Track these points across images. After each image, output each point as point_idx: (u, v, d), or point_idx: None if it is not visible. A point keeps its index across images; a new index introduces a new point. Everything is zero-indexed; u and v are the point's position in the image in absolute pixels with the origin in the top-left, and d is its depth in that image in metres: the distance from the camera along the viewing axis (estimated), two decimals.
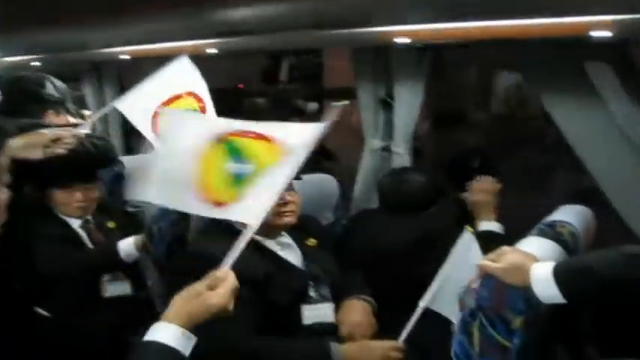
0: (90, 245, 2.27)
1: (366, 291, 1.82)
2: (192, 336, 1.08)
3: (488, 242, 1.60)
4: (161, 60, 1.84)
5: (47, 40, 3.02)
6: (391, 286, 1.82)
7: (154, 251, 1.89)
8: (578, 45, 1.64)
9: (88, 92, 3.52)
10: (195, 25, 2.18)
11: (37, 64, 3.15)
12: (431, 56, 2.19)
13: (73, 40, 2.85)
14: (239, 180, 1.18)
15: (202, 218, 1.86)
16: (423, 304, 1.56)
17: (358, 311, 1.74)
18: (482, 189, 2.02)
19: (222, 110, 1.85)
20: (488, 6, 1.44)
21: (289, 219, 1.77)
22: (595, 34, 1.43)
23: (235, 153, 1.19)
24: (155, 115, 1.70)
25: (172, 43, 2.35)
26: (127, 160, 2.94)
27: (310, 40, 1.97)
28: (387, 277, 1.87)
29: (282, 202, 1.71)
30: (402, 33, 1.72)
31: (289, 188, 1.75)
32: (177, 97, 1.71)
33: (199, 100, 1.80)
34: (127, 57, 2.80)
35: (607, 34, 1.42)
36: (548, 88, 1.81)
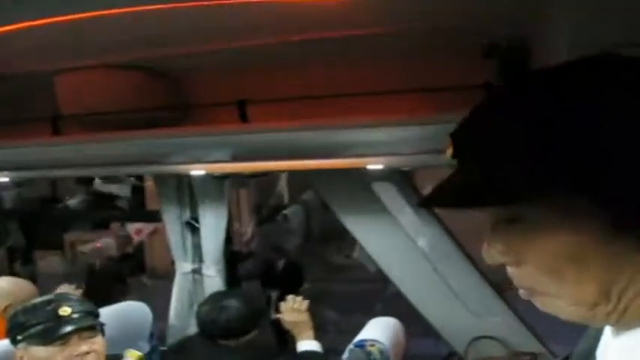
0: None
1: None
2: None
3: None
4: None
5: None
6: None
7: None
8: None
9: None
10: None
11: None
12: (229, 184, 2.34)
13: None
14: None
15: None
16: None
17: None
18: (293, 309, 2.01)
19: None
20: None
21: None
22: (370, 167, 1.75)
23: None
24: None
25: None
26: None
27: None
28: None
29: (79, 354, 1.47)
30: (198, 167, 1.88)
31: (90, 335, 1.51)
32: None
33: None
34: None
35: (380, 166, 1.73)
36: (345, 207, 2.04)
